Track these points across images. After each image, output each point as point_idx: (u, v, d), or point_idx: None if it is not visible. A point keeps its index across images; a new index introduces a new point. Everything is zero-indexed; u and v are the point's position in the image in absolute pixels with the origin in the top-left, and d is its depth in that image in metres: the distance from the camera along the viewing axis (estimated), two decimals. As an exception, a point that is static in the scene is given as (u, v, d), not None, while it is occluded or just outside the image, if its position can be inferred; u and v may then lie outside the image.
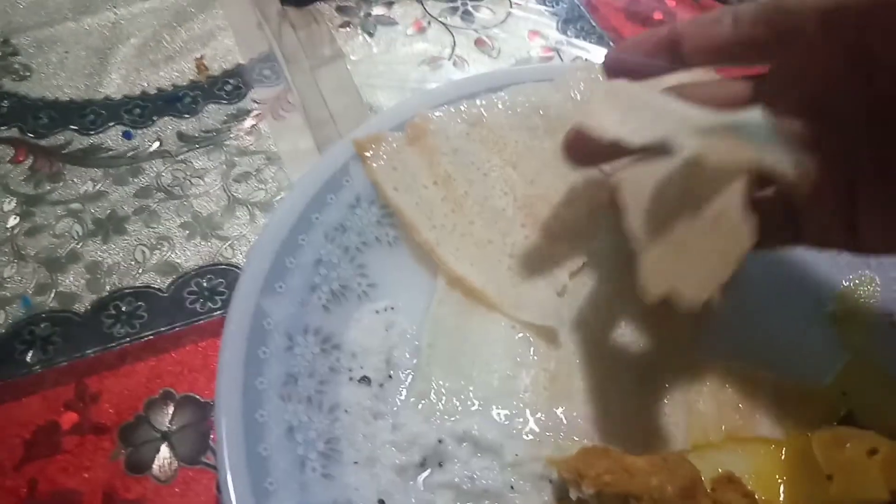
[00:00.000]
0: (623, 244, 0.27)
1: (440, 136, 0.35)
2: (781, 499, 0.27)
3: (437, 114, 0.36)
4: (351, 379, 0.30)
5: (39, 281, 0.35)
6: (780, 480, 0.28)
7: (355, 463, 0.28)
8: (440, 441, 0.29)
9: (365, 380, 0.30)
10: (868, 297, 0.34)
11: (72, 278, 0.36)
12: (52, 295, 0.35)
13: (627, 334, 0.32)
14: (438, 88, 0.39)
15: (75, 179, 0.40)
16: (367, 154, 0.34)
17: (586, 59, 0.48)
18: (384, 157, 0.34)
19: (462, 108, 0.36)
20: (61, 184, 0.40)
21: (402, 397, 0.30)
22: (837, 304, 0.34)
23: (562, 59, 0.48)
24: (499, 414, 0.30)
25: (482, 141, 0.36)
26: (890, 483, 0.26)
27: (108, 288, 0.35)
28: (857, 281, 0.34)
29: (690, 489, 0.26)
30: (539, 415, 0.30)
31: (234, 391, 0.27)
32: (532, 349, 0.32)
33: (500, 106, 0.36)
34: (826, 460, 0.27)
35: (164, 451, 0.30)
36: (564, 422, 0.30)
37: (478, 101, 0.36)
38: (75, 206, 0.39)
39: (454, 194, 0.34)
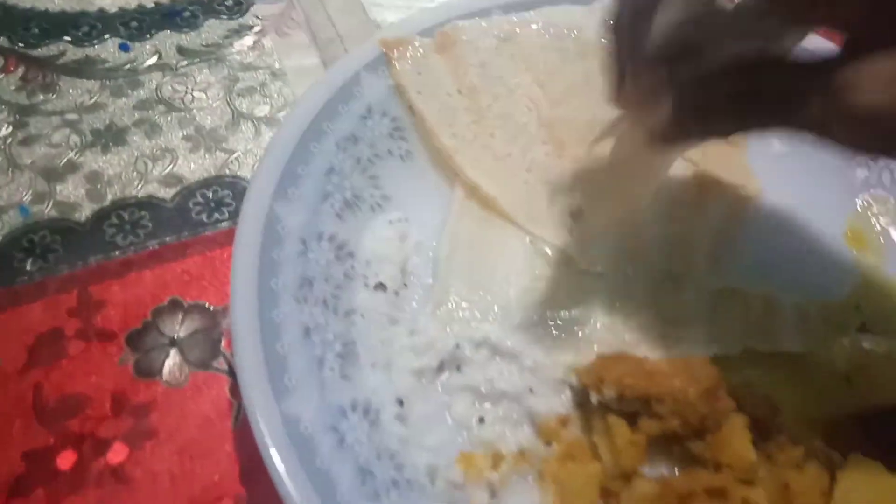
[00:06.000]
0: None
1: (469, 47, 0.34)
2: (801, 404, 0.27)
3: (468, 24, 0.35)
4: (366, 285, 0.29)
5: (37, 190, 0.34)
6: (799, 388, 0.28)
7: (372, 365, 0.27)
8: (457, 346, 0.28)
9: (380, 286, 0.29)
10: (881, 215, 0.34)
11: (71, 188, 0.34)
12: (51, 204, 0.34)
13: (650, 255, 0.32)
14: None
15: (70, 90, 0.38)
16: (393, 55, 0.33)
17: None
18: (410, 60, 0.33)
19: (495, 23, 0.35)
20: (55, 94, 0.38)
21: (419, 305, 0.30)
22: (850, 225, 0.34)
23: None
24: (517, 324, 0.29)
25: (511, 57, 0.35)
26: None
27: (109, 198, 0.34)
28: (870, 200, 0.34)
29: (713, 391, 0.26)
30: (557, 322, 0.29)
31: (250, 290, 0.26)
32: (550, 263, 0.31)
33: (534, 26, 0.36)
34: (845, 364, 0.27)
35: (174, 356, 0.30)
36: (584, 331, 0.29)
37: (514, 17, 0.35)
38: (71, 116, 0.37)
39: (478, 105, 0.33)
